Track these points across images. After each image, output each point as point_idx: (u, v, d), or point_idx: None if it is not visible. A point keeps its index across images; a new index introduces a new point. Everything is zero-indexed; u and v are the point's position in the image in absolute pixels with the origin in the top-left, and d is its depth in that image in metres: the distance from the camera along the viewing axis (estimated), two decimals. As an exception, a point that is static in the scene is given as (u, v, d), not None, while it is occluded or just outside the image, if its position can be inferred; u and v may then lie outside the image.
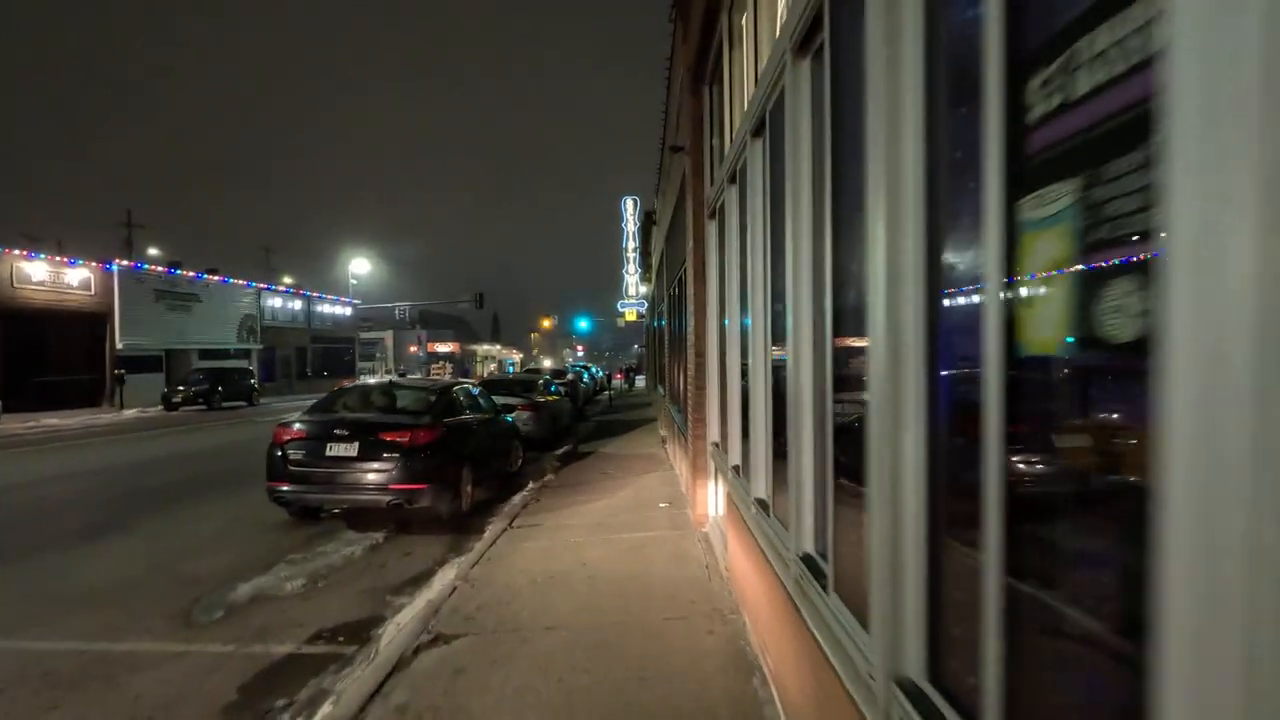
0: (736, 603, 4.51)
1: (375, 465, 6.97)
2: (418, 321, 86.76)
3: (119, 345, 28.28)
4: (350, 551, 6.60)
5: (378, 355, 68.51)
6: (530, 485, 9.65)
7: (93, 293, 27.29)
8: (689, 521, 6.72)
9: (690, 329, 6.41)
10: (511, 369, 74.76)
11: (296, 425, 7.31)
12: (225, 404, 28.31)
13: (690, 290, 6.54)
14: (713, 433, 5.99)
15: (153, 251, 53.31)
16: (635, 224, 24.82)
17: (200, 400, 27.00)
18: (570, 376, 11.66)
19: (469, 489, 8.10)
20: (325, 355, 46.54)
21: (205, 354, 33.32)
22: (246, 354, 37.04)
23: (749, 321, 4.03)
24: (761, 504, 3.75)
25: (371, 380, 9.51)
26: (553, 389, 15.55)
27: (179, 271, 32.38)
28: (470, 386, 9.84)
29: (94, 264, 27.52)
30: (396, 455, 6.98)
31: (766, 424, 3.78)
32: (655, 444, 13.37)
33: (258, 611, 5.09)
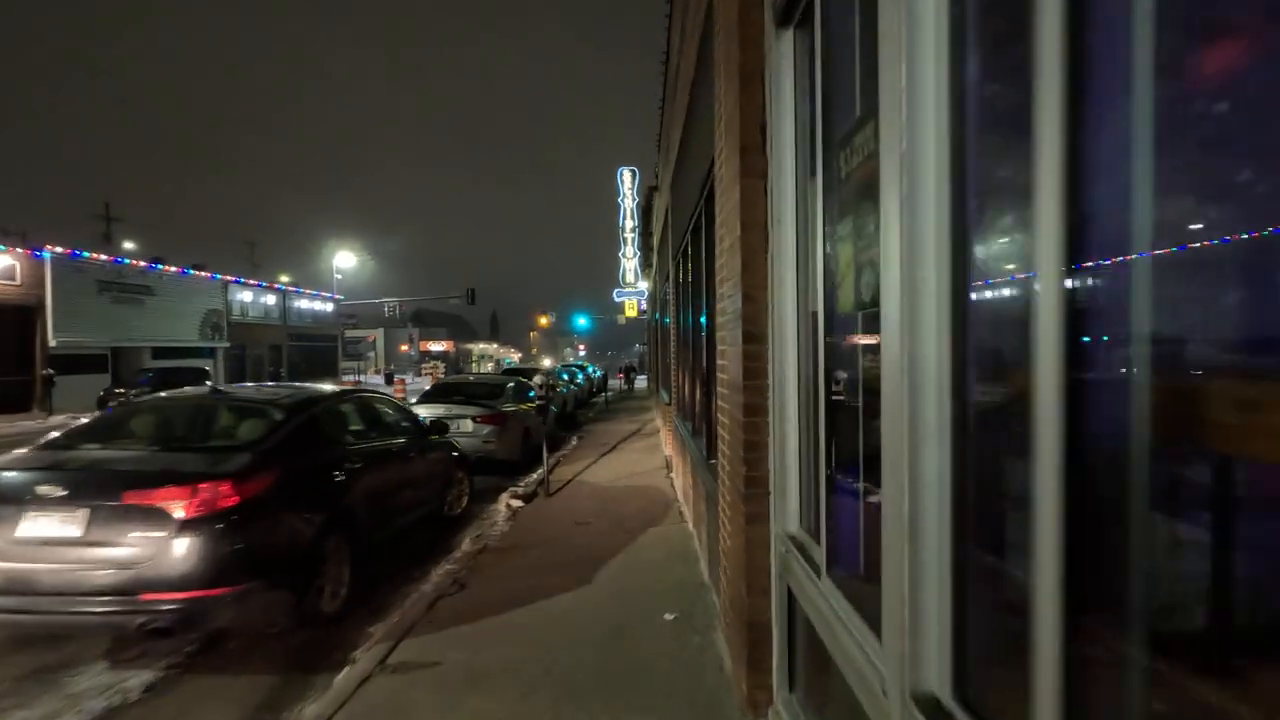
0: None
1: (115, 552, 3.64)
2: (411, 319, 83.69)
3: (52, 342, 25.04)
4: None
5: (366, 354, 65.35)
6: (464, 547, 6.31)
7: (18, 282, 24.03)
8: (730, 691, 3.34)
9: (734, 296, 3.04)
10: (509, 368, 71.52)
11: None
12: (175, 408, 25.02)
13: (729, 219, 3.17)
14: (790, 510, 2.64)
15: (129, 245, 50.39)
16: (634, 199, 21.52)
17: (141, 404, 23.70)
18: (545, 380, 8.32)
19: (343, 573, 4.78)
20: (305, 354, 43.39)
21: (161, 352, 30.11)
22: (211, 353, 33.81)
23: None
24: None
25: (194, 391, 6.15)
26: (529, 395, 12.24)
27: (127, 261, 29.12)
28: (372, 398, 6.49)
29: (20, 250, 24.26)
30: (162, 533, 3.66)
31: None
32: (656, 466, 10.01)
33: None
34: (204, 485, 3.79)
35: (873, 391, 1.69)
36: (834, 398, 2.19)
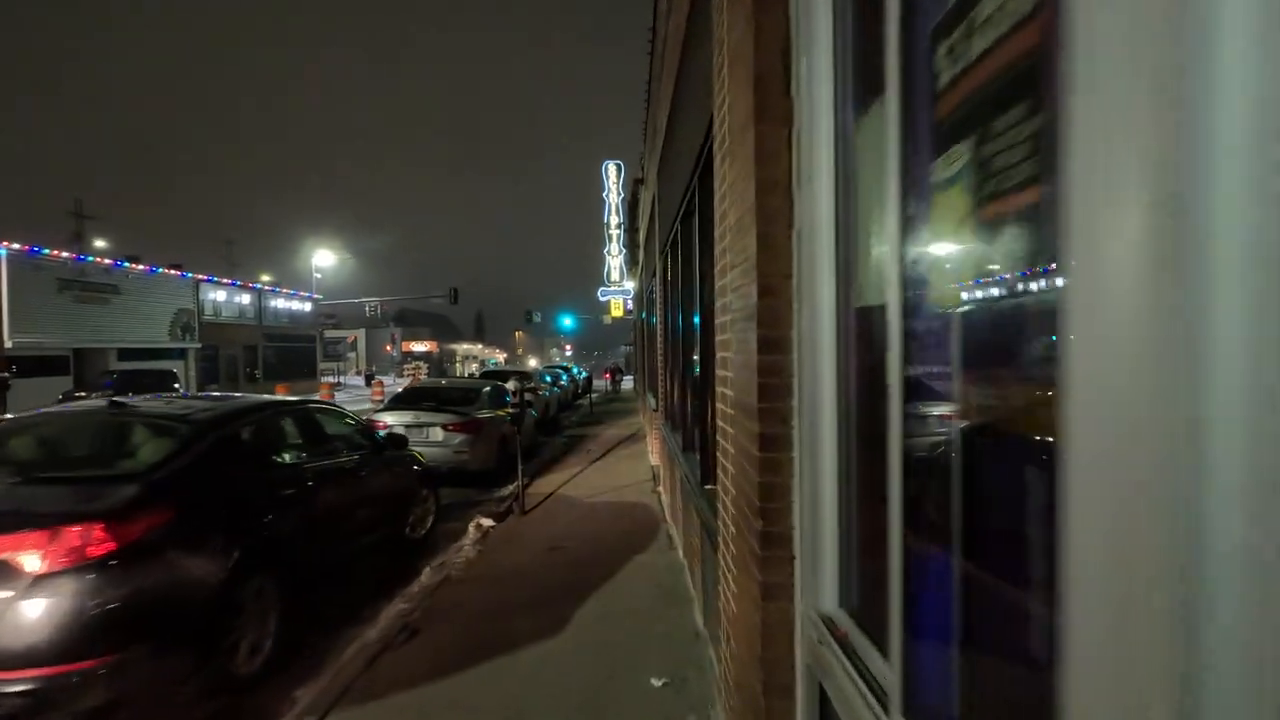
0: None
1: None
2: (394, 319, 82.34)
3: (7, 343, 23.87)
4: None
5: (346, 355, 64.03)
6: (423, 579, 5.53)
7: (-31, 281, 22.86)
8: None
9: (743, 288, 2.30)
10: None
11: None
12: (141, 412, 23.95)
13: (737, 184, 2.42)
14: (825, 583, 1.90)
15: (101, 244, 48.99)
16: (619, 194, 20.69)
17: (103, 409, 22.61)
18: (518, 386, 7.51)
19: (267, 622, 3.98)
20: (282, 355, 42.19)
21: (128, 354, 28.96)
22: (182, 354, 32.66)
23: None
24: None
25: (90, 404, 5.34)
26: (506, 399, 11.44)
27: (90, 258, 27.91)
28: (317, 409, 5.69)
29: (-28, 247, 23.07)
30: (9, 592, 2.87)
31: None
32: (643, 479, 9.27)
33: None
34: (69, 529, 2.99)
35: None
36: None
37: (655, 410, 10.06)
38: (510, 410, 7.68)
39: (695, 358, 4.99)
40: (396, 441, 6.25)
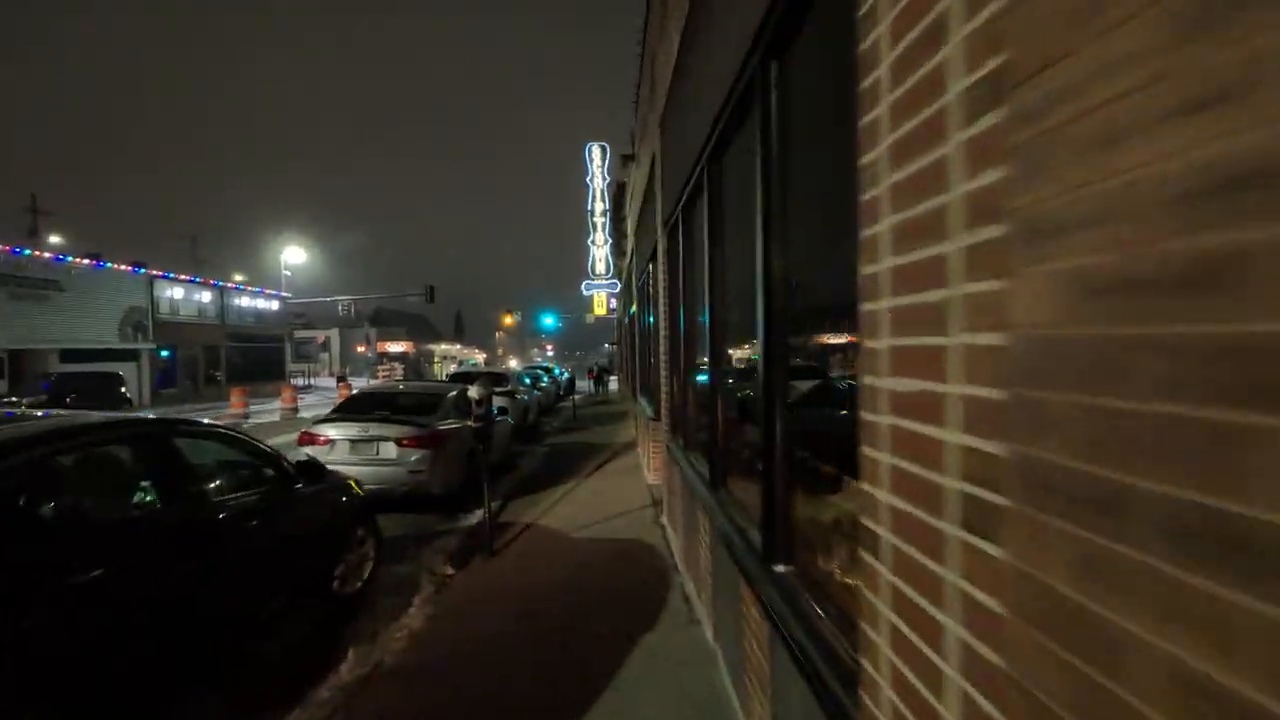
0: None
1: None
2: (371, 319, 79.85)
3: (-72, 344, 21.67)
4: None
5: (317, 355, 61.65)
6: (341, 671, 3.87)
7: (-117, 275, 20.63)
8: None
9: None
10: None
11: None
12: (82, 419, 21.89)
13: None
14: None
15: (55, 240, 46.43)
16: (604, 179, 18.98)
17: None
18: (480, 392, 5.87)
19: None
20: (247, 356, 40.02)
21: (72, 355, 26.78)
22: (134, 355, 30.44)
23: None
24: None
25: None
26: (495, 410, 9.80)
27: (28, 251, 25.69)
28: (178, 430, 3.96)
29: (-113, 237, 20.82)
30: None
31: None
32: (640, 503, 7.68)
33: None
34: None
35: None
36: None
37: (654, 419, 8.48)
38: (475, 422, 6.02)
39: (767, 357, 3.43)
40: (310, 471, 4.61)
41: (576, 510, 7.51)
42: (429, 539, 6.71)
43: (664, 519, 6.59)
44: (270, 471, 4.42)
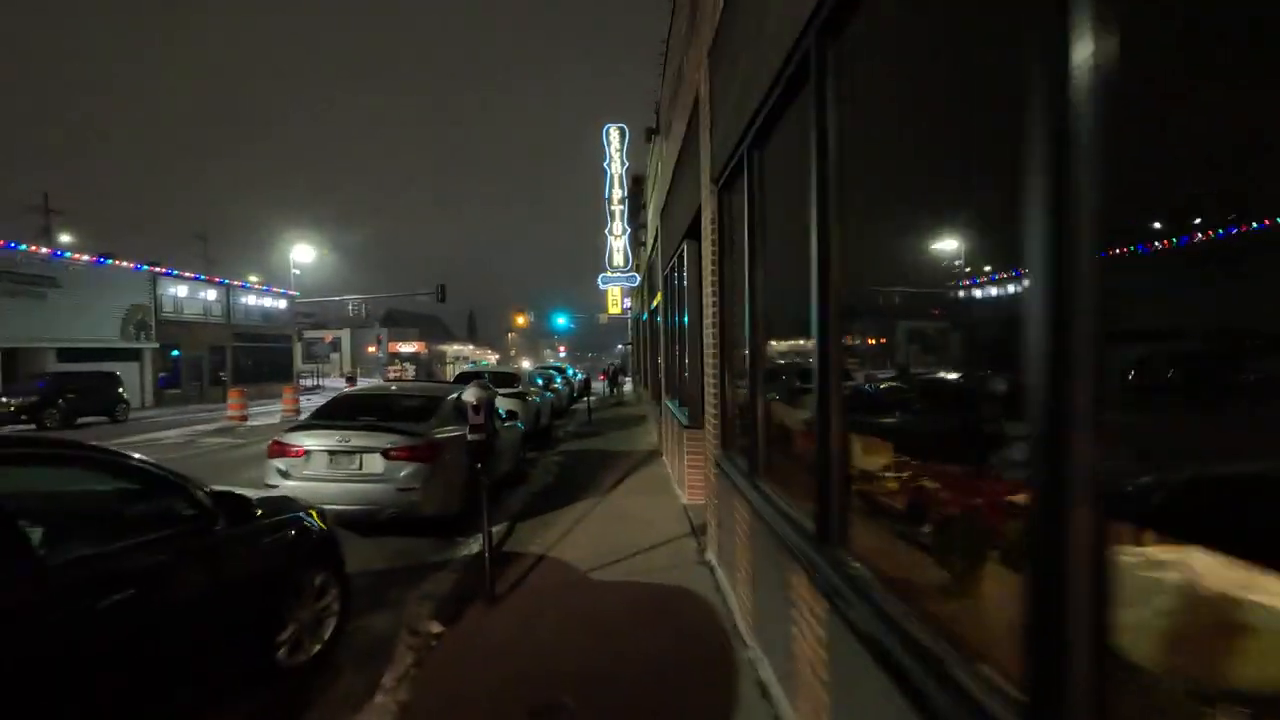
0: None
1: None
2: (381, 319, 79.08)
3: (-84, 341, 20.79)
4: None
5: (327, 355, 60.87)
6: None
7: None
8: None
9: None
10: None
11: None
12: (79, 421, 21.07)
13: None
14: None
15: (65, 239, 45.91)
16: (621, 163, 17.59)
17: (25, 417, 19.64)
18: (479, 396, 4.62)
19: None
20: (254, 356, 39.17)
21: (71, 354, 25.84)
22: (136, 355, 29.54)
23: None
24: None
25: None
26: (501, 412, 8.54)
27: (24, 246, 24.79)
28: (19, 453, 2.70)
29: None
30: None
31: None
32: (675, 531, 6.37)
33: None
34: None
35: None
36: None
37: (688, 428, 7.15)
38: (473, 433, 4.71)
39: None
40: (234, 510, 3.31)
41: (597, 538, 6.19)
42: (417, 574, 5.43)
43: (710, 555, 5.26)
44: (180, 508, 3.14)
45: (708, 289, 5.05)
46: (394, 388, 8.02)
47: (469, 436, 4.67)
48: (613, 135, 17.79)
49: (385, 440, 6.52)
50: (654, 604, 4.52)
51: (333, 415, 7.19)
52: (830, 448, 2.42)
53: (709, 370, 5.15)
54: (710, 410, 5.16)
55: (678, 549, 5.70)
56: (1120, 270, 1.23)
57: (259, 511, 3.60)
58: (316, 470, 6.52)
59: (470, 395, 4.50)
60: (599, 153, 17.91)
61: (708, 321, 5.06)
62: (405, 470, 6.44)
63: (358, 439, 6.55)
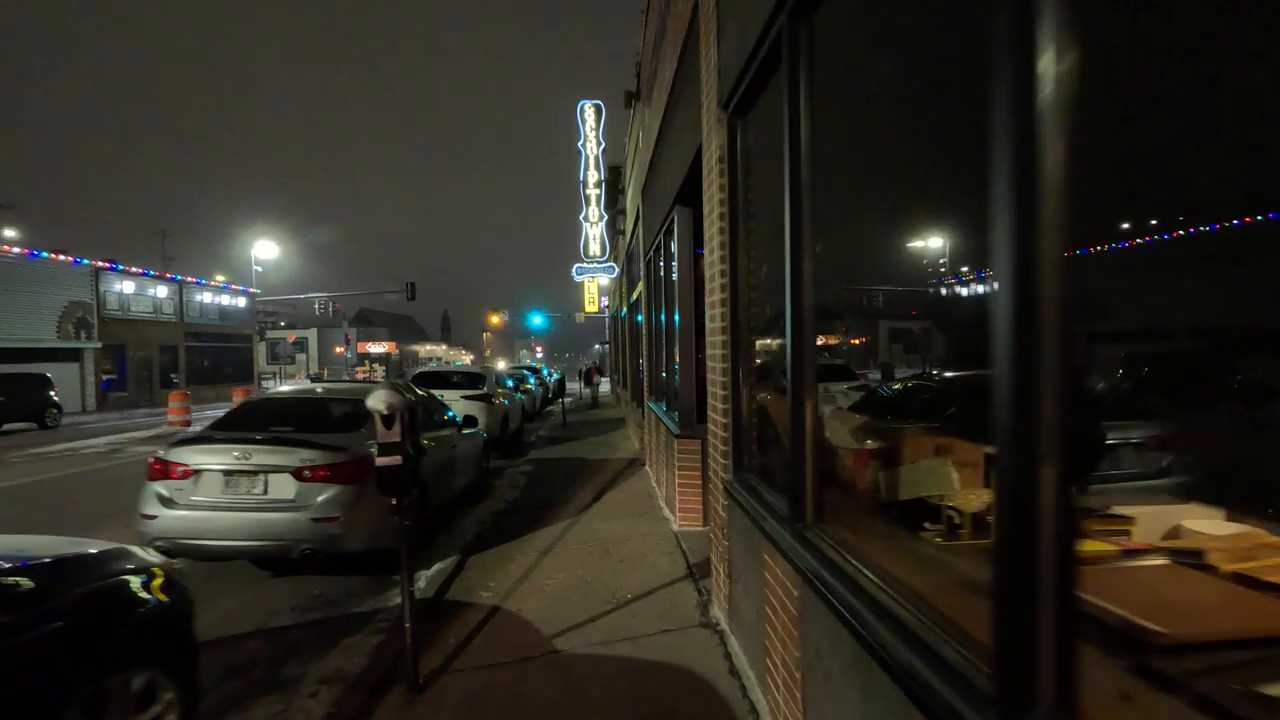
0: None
1: None
2: (352, 319, 76.61)
3: None
4: None
5: (293, 356, 58.46)
6: None
7: None
8: None
9: None
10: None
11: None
12: (3, 427, 19.32)
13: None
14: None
15: (10, 233, 43.16)
16: (598, 143, 16.19)
17: (-60, 422, 17.78)
18: (401, 401, 3.35)
19: None
20: (212, 357, 37.12)
21: (1, 355, 23.77)
22: (76, 355, 27.45)
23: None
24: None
25: None
26: (436, 419, 7.18)
27: (-57, 237, 22.63)
28: None
29: None
30: None
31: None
32: (662, 566, 5.08)
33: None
34: None
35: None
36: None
37: (679, 436, 5.85)
38: (383, 454, 3.35)
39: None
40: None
41: (567, 582, 4.84)
42: (330, 634, 4.07)
43: (718, 613, 3.95)
44: None
45: (714, 257, 3.75)
46: (320, 390, 6.58)
47: (377, 461, 3.31)
48: (588, 113, 16.33)
49: (297, 457, 5.10)
50: (644, 698, 3.20)
51: (236, 425, 5.74)
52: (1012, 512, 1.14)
53: (715, 366, 3.85)
54: (716, 419, 3.86)
55: (672, 600, 4.38)
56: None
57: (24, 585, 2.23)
58: (208, 495, 5.08)
59: (378, 401, 3.16)
60: (575, 134, 16.49)
61: (715, 299, 3.76)
62: (323, 495, 5.04)
63: (262, 455, 5.12)
